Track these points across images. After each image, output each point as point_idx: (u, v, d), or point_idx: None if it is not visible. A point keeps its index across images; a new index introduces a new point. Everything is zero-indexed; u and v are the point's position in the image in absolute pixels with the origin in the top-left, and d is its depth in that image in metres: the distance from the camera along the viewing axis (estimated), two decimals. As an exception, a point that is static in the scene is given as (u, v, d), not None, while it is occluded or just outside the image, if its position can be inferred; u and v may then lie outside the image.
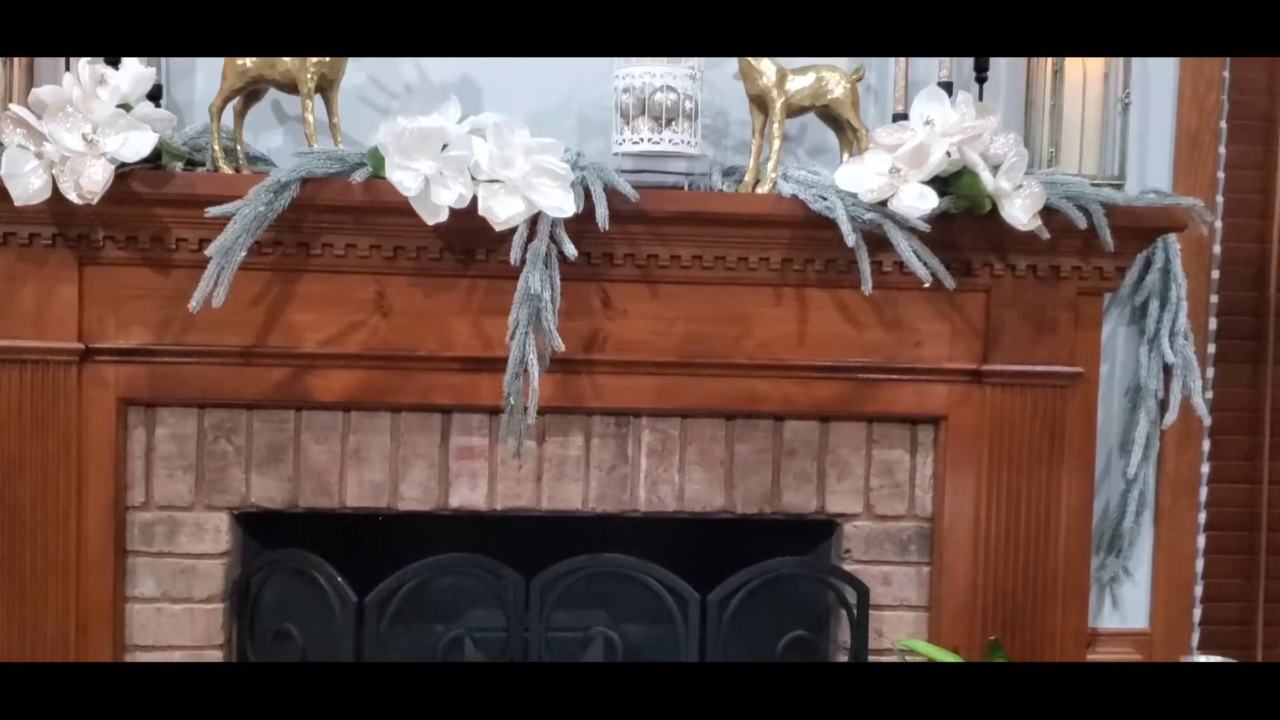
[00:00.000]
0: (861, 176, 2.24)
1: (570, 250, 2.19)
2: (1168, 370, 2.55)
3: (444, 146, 2.16)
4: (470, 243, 2.29)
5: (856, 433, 2.48)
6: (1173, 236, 2.51)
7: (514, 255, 2.17)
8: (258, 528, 2.49)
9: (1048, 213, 2.26)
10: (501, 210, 2.16)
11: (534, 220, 2.19)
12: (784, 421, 2.46)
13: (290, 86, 2.28)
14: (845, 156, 2.35)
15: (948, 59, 2.43)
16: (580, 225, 2.21)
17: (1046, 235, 2.27)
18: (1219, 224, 2.67)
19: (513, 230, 2.18)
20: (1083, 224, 2.28)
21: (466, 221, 2.17)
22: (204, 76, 2.44)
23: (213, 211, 2.15)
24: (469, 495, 2.43)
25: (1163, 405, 2.56)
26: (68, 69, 2.24)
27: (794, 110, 2.33)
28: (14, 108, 2.14)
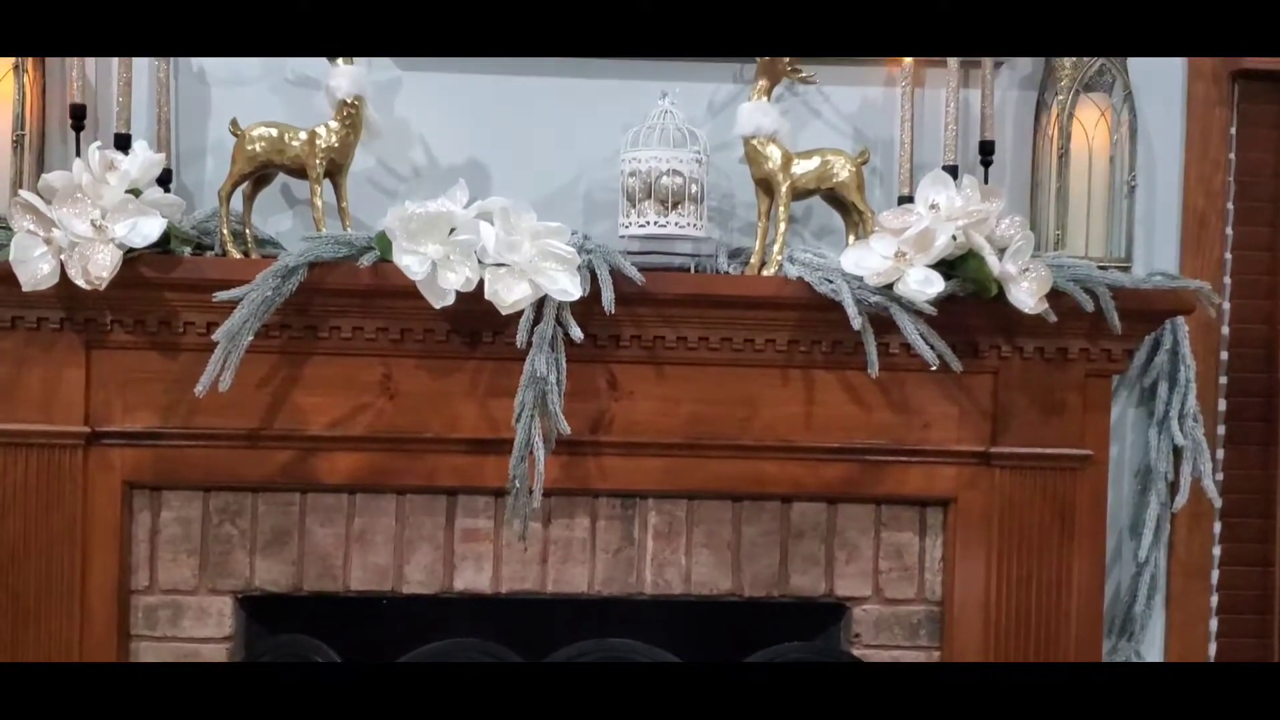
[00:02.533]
0: (867, 260, 2.24)
1: (576, 333, 2.20)
2: (1178, 452, 2.53)
3: (451, 230, 2.17)
4: (476, 325, 2.29)
5: (865, 515, 2.46)
6: (1181, 318, 2.50)
7: (520, 338, 2.18)
8: (262, 611, 2.47)
9: (1054, 295, 2.26)
10: (508, 294, 2.17)
11: (540, 303, 2.20)
12: (792, 503, 2.45)
13: (299, 171, 2.30)
14: (851, 239, 2.36)
15: (953, 142, 2.44)
16: (587, 307, 2.22)
17: (1053, 319, 2.27)
18: (1227, 305, 2.66)
19: (519, 313, 2.18)
20: (1090, 307, 2.28)
21: (473, 304, 2.18)
22: (214, 161, 2.45)
23: (220, 296, 2.16)
24: (474, 578, 2.41)
25: (1173, 487, 2.54)
26: (78, 154, 2.26)
27: (799, 193, 2.34)
28: (23, 193, 2.16)
